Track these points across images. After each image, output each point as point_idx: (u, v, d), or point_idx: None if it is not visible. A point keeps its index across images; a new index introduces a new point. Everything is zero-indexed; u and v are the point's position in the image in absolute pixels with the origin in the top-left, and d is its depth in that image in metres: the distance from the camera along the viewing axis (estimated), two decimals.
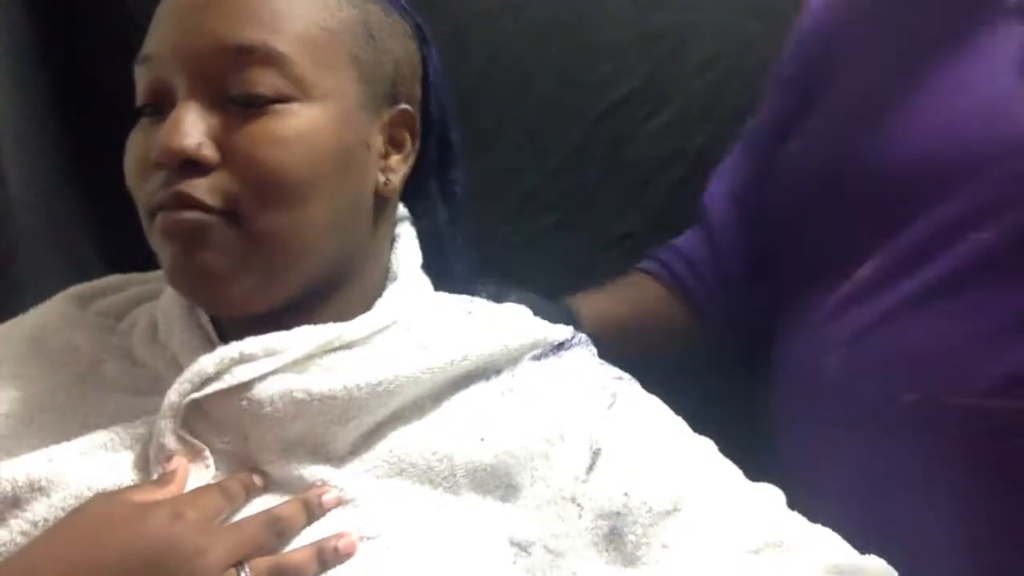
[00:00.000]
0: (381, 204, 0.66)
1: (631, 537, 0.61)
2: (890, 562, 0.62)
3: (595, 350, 0.71)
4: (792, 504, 0.66)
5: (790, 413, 0.79)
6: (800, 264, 0.83)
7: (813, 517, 0.65)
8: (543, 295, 0.84)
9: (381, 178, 0.65)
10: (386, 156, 0.65)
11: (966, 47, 0.73)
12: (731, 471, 0.66)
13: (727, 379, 0.95)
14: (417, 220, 0.73)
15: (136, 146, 0.61)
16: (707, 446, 0.68)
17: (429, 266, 0.71)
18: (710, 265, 0.95)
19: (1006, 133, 0.69)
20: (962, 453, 0.68)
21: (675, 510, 0.61)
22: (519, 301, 0.73)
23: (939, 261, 0.70)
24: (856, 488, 0.64)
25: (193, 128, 0.57)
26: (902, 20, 0.80)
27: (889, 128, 0.75)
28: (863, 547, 0.63)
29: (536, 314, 0.71)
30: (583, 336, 0.70)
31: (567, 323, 0.70)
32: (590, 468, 0.62)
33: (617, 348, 0.72)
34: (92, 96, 0.90)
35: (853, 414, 0.74)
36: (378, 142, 0.64)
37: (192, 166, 0.57)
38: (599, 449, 0.63)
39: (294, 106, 0.58)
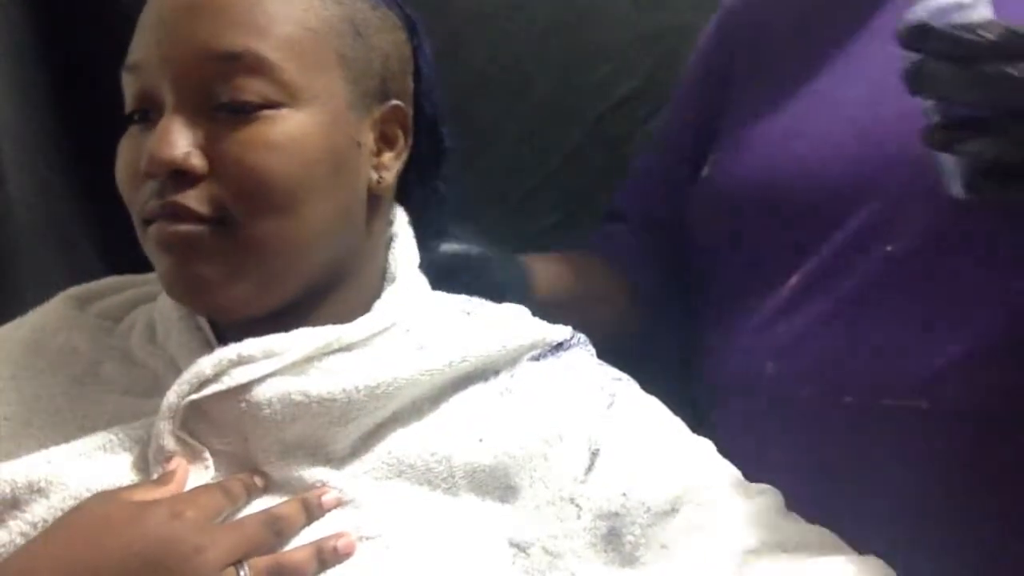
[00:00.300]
0: (375, 203, 0.66)
1: (629, 538, 0.61)
2: None
3: (593, 351, 0.71)
4: None
5: (732, 421, 0.81)
6: (728, 276, 0.84)
7: None
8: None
9: (374, 176, 0.64)
10: (378, 154, 0.65)
11: (856, 65, 0.76)
12: (730, 471, 0.66)
13: None
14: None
15: (127, 153, 0.61)
16: (706, 446, 0.67)
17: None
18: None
19: (886, 152, 0.71)
20: (900, 451, 0.70)
21: (673, 511, 0.62)
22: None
23: (855, 272, 0.73)
24: (802, 489, 0.66)
25: (180, 138, 0.57)
26: (801, 33, 0.82)
27: (790, 145, 0.78)
28: None
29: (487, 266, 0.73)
30: (582, 336, 0.70)
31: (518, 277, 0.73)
32: (589, 469, 0.62)
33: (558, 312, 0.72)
34: (92, 96, 0.90)
35: (794, 418, 0.75)
36: (369, 140, 0.64)
37: (181, 176, 0.57)
38: (598, 450, 0.63)
39: (283, 111, 0.58)
